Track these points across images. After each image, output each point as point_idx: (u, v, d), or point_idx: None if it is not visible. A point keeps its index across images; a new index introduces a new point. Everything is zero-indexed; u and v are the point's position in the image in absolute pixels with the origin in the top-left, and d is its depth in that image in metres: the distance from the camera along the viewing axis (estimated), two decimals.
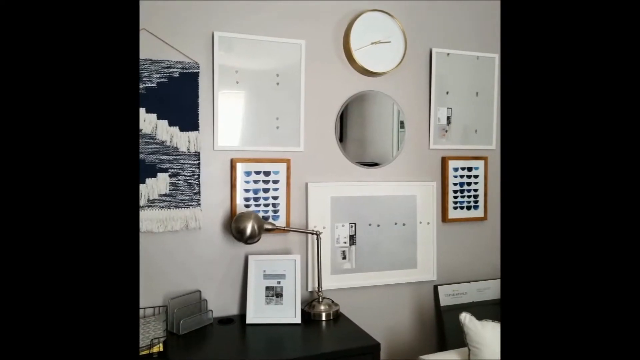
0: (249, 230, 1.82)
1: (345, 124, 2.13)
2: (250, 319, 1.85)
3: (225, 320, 1.88)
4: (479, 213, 2.39)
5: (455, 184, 2.34)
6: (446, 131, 2.31)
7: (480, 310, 2.27)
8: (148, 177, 1.82)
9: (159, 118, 1.82)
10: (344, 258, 2.13)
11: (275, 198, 2.00)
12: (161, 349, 1.60)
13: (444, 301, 2.28)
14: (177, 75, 1.84)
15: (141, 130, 1.80)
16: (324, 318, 1.91)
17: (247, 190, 1.97)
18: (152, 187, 1.82)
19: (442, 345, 2.27)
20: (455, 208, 2.34)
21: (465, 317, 1.84)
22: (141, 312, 1.83)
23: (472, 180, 2.37)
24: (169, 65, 1.83)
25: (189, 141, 1.86)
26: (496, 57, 2.39)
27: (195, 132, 1.87)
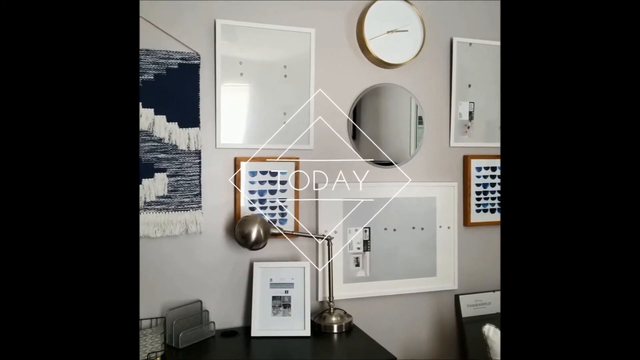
0: (254, 235, 1.80)
1: (359, 119, 2.10)
2: (256, 331, 1.83)
3: (228, 333, 1.86)
4: None
5: (478, 184, 2.30)
6: (468, 127, 2.27)
7: None
8: (145, 178, 1.80)
9: (156, 113, 1.80)
10: (358, 265, 2.10)
11: (282, 200, 1.98)
12: None
13: (466, 312, 2.25)
14: (176, 66, 1.82)
15: None
16: (335, 330, 1.88)
17: (252, 192, 1.94)
18: (149, 189, 1.80)
19: None
20: (478, 211, 2.30)
21: (489, 329, 1.79)
22: None
23: (496, 180, 2.33)
24: (167, 56, 1.81)
25: (189, 138, 1.84)
26: None
27: (196, 129, 1.85)
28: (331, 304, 1.94)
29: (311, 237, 2.00)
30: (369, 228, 2.11)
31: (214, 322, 1.85)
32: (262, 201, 1.95)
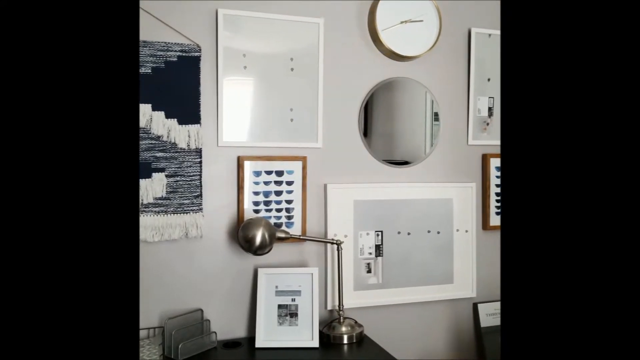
0: (258, 240, 1.79)
1: (371, 116, 2.07)
2: (260, 342, 1.82)
3: (230, 344, 1.84)
4: None
5: (497, 185, 2.27)
6: (487, 124, 2.24)
7: None
8: (142, 178, 1.78)
9: (154, 109, 1.79)
10: (369, 271, 2.08)
11: (289, 202, 1.96)
12: None
13: (485, 321, 2.23)
14: (176, 59, 1.80)
15: None
16: (345, 341, 1.87)
17: (256, 193, 1.92)
18: (147, 190, 1.79)
19: None
20: (497, 213, 2.27)
21: None
22: None
23: None
24: (166, 48, 1.79)
25: (189, 136, 1.82)
26: None
27: (197, 126, 1.83)
28: (341, 312, 1.92)
29: (320, 241, 1.98)
30: (382, 231, 2.08)
31: (215, 333, 1.83)
32: (267, 203, 1.93)
